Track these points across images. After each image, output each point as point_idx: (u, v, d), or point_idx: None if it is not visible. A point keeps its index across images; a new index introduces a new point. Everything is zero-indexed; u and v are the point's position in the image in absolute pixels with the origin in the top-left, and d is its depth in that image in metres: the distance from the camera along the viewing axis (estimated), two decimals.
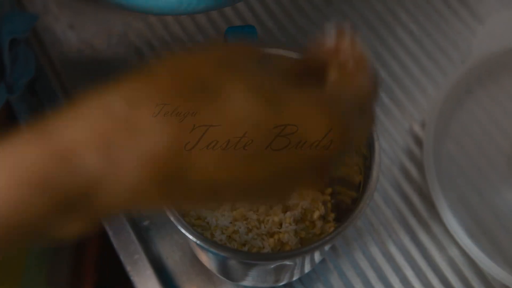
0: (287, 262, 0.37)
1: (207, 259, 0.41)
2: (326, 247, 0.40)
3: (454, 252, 0.48)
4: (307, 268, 0.42)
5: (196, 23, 0.57)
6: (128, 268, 0.45)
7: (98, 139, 0.25)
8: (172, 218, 0.35)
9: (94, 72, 0.55)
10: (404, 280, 0.47)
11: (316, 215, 0.42)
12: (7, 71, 0.46)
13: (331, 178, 0.44)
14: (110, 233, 0.46)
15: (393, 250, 0.48)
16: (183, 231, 0.35)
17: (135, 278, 0.45)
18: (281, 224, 0.41)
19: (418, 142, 0.52)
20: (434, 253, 0.48)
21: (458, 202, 0.49)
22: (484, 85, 0.53)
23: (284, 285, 0.46)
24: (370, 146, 0.37)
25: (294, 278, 0.43)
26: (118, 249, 0.46)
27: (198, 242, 0.34)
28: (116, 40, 0.56)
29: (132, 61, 0.55)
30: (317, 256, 0.41)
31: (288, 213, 0.41)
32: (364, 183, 0.37)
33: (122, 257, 0.45)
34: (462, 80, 0.52)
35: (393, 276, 0.47)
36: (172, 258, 0.47)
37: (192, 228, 0.34)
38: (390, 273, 0.47)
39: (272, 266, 0.37)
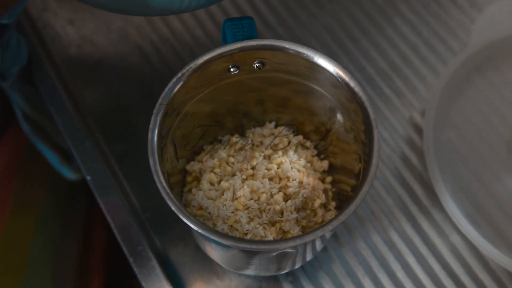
0: (289, 250, 0.37)
1: (210, 249, 0.42)
2: (327, 235, 0.40)
3: (455, 239, 0.48)
4: (309, 256, 0.43)
5: (195, 17, 0.57)
6: (132, 259, 0.45)
7: None
8: (174, 209, 0.35)
9: (94, 67, 0.55)
10: (406, 267, 0.47)
11: (317, 203, 0.42)
12: None
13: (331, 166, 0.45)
14: (113, 225, 0.46)
15: (395, 237, 0.48)
16: (186, 221, 0.35)
17: (138, 269, 0.45)
18: (282, 213, 0.41)
19: (418, 130, 0.52)
20: (436, 240, 0.48)
21: (458, 189, 0.49)
22: (484, 73, 0.53)
23: (286, 273, 0.47)
24: (369, 133, 0.37)
25: (296, 266, 0.44)
26: (121, 240, 0.46)
27: (200, 231, 0.34)
28: (116, 36, 0.57)
29: (132, 56, 0.55)
30: (318, 244, 0.41)
31: (289, 202, 0.41)
32: (364, 171, 0.37)
33: (125, 249, 0.46)
34: (462, 68, 0.52)
35: (395, 263, 0.48)
36: (175, 249, 0.48)
37: (194, 218, 0.35)
38: (392, 260, 0.48)
39: (274, 254, 0.38)
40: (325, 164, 0.45)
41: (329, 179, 0.44)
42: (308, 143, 0.46)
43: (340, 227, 0.49)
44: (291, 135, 0.46)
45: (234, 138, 0.45)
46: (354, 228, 0.49)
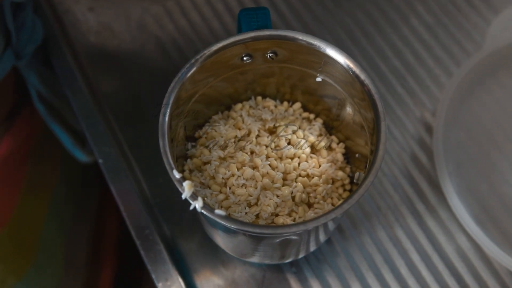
0: (293, 237, 0.37)
1: (216, 235, 0.42)
2: (330, 225, 0.40)
3: (460, 238, 0.48)
4: (312, 246, 0.43)
5: (213, 8, 0.58)
6: (139, 242, 0.46)
7: None
8: (180, 189, 0.36)
9: (111, 54, 0.56)
10: (410, 264, 0.48)
11: (319, 190, 0.42)
12: (13, 37, 0.47)
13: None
14: (122, 208, 0.47)
15: (400, 234, 0.49)
16: (193, 202, 0.35)
17: (145, 252, 0.46)
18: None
19: (429, 130, 0.53)
20: (441, 239, 0.48)
21: (466, 189, 0.49)
22: (496, 75, 0.54)
23: (290, 264, 0.47)
24: (377, 126, 0.37)
25: (300, 256, 0.44)
26: (130, 223, 0.47)
27: (205, 213, 0.35)
28: (134, 25, 0.57)
29: (148, 45, 0.56)
30: (322, 234, 0.42)
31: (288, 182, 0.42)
32: (370, 162, 0.37)
33: (133, 231, 0.46)
34: (475, 70, 0.52)
35: (399, 259, 0.48)
36: (182, 236, 0.48)
37: (202, 200, 0.35)
38: (396, 256, 0.48)
39: (278, 241, 0.38)
40: (338, 149, 0.44)
41: (347, 169, 0.44)
42: (315, 120, 0.46)
43: (346, 221, 0.49)
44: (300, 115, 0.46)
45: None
46: (360, 223, 0.49)
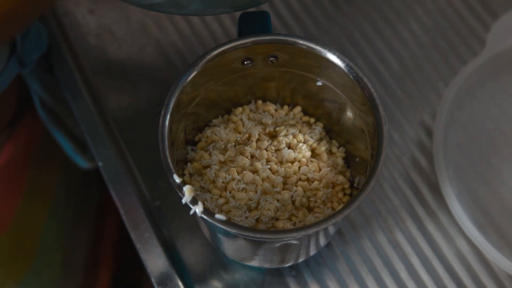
0: (293, 241, 0.37)
1: (216, 239, 0.42)
2: (331, 229, 0.40)
3: (460, 242, 0.48)
4: (312, 251, 0.43)
5: None
6: (139, 245, 0.46)
7: None
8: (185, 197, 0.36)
9: (111, 57, 0.56)
10: (409, 267, 0.48)
11: (320, 195, 0.42)
12: (18, 45, 0.47)
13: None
14: (122, 212, 0.47)
15: (400, 238, 0.49)
16: (192, 206, 0.35)
17: (144, 255, 0.46)
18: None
19: (429, 134, 0.53)
20: (441, 242, 0.48)
21: (466, 192, 0.49)
22: (496, 79, 0.54)
23: (290, 268, 0.47)
24: (378, 130, 0.37)
25: (300, 260, 0.44)
26: (129, 226, 0.47)
27: (204, 217, 0.35)
28: (134, 27, 0.57)
29: (149, 48, 0.56)
30: (322, 239, 0.42)
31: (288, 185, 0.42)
32: (370, 166, 0.37)
33: (133, 235, 0.46)
34: (475, 74, 0.52)
35: (399, 263, 0.48)
36: (182, 239, 0.48)
37: (201, 203, 0.35)
38: (396, 260, 0.48)
39: (278, 245, 0.38)
40: (339, 153, 0.44)
41: (347, 174, 0.44)
42: (315, 124, 0.46)
43: (346, 224, 0.49)
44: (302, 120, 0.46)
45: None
46: (360, 226, 0.49)
